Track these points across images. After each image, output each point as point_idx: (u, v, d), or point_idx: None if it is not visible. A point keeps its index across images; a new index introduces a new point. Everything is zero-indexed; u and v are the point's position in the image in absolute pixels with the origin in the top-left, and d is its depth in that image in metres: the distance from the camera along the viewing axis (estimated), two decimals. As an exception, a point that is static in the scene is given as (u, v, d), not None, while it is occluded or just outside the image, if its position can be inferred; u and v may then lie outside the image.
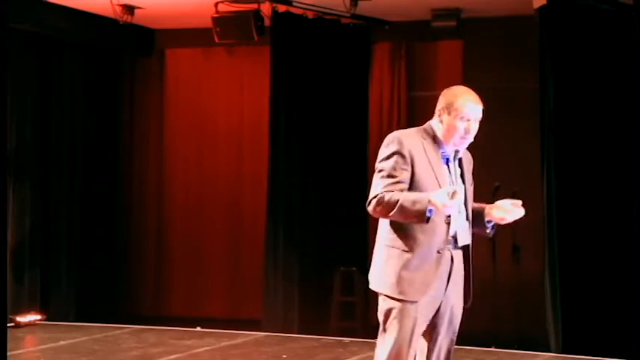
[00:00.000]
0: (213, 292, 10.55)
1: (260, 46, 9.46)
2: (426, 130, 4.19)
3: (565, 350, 7.86)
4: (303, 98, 9.40)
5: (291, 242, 9.32)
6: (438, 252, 4.11)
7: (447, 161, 4.20)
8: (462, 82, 9.58)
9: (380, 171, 4.11)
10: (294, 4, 9.06)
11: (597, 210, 8.02)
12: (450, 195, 3.90)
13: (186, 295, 10.62)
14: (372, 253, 4.29)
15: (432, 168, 4.12)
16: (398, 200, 3.98)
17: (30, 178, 9.80)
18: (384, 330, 4.14)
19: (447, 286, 4.17)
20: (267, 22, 9.20)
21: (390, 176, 4.06)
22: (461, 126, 4.12)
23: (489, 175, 8.94)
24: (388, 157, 4.09)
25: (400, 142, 4.10)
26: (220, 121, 10.73)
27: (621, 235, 7.74)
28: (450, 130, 4.14)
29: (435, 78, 10.09)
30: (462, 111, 4.12)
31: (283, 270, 9.28)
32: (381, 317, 4.16)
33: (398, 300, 4.09)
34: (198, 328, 9.16)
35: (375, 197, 4.05)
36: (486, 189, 8.80)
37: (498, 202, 4.31)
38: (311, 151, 9.39)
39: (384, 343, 4.13)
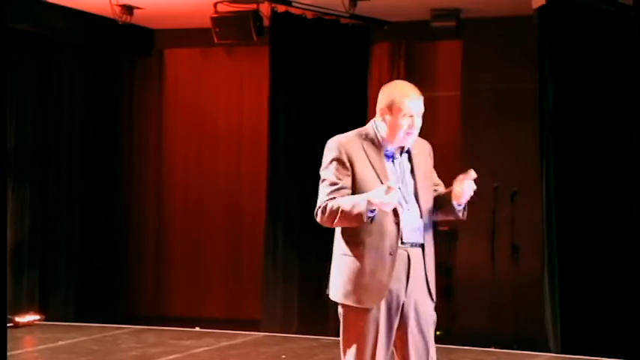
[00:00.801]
0: (212, 292, 10.56)
1: (259, 46, 9.46)
2: (366, 131, 4.11)
3: (564, 350, 7.86)
4: (302, 98, 9.40)
5: (290, 242, 9.32)
6: (390, 254, 4.00)
7: (393, 159, 4.10)
8: (462, 82, 9.67)
9: (322, 180, 4.07)
10: (294, 4, 9.06)
11: (596, 210, 8.02)
12: (387, 191, 3.82)
13: (185, 295, 10.62)
14: None
15: (374, 168, 4.03)
16: (339, 207, 3.93)
17: (29, 178, 9.81)
18: (345, 340, 4.06)
19: (406, 286, 4.05)
20: (266, 23, 9.20)
21: (331, 184, 4.02)
22: (404, 123, 4.02)
23: (488, 175, 8.94)
24: (328, 165, 4.06)
25: (338, 148, 4.05)
26: (220, 121, 10.75)
27: (620, 235, 7.73)
28: (394, 128, 4.04)
29: (434, 78, 10.11)
30: (404, 108, 4.02)
31: (282, 270, 9.29)
32: (341, 327, 4.09)
33: (355, 308, 4.02)
34: (197, 329, 9.15)
35: (319, 207, 4.02)
36: (486, 189, 8.82)
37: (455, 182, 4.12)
38: (310, 151, 9.33)
39: (347, 354, 4.05)
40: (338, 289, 4.08)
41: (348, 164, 4.02)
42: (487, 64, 9.47)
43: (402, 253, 4.03)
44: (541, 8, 8.20)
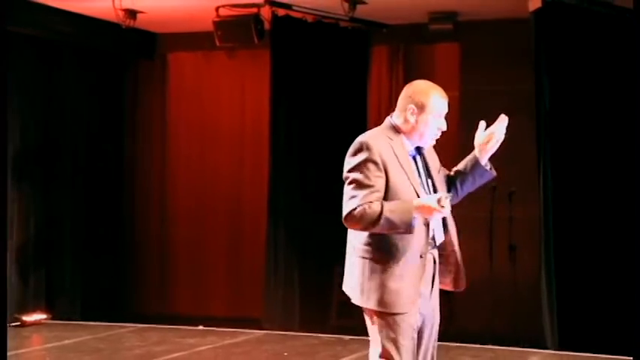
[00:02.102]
0: (215, 291, 10.54)
1: (260, 49, 9.45)
2: (390, 130, 3.95)
3: (561, 347, 7.87)
4: (302, 100, 9.39)
5: (291, 242, 9.32)
6: (421, 256, 3.87)
7: (414, 158, 3.98)
8: (460, 83, 9.66)
9: (352, 181, 3.82)
10: (294, 8, 9.06)
11: (593, 209, 8.02)
12: (441, 202, 3.72)
13: (188, 294, 10.61)
14: None
15: (404, 169, 3.88)
16: (381, 213, 3.73)
17: (35, 180, 9.82)
18: (384, 349, 3.87)
19: (432, 289, 3.98)
20: (267, 26, 9.21)
21: (365, 186, 3.78)
22: (437, 123, 3.95)
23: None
24: (359, 166, 3.81)
25: (370, 148, 3.82)
26: (222, 122, 10.73)
27: (616, 234, 7.73)
28: (425, 127, 3.93)
29: (432, 80, 9.86)
30: (438, 108, 3.94)
31: (284, 269, 9.29)
32: (376, 335, 3.90)
33: (390, 314, 3.84)
34: (201, 327, 9.17)
35: (353, 210, 3.77)
36: (483, 189, 8.82)
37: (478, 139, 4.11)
38: (311, 152, 9.40)
39: (392, 357, 3.86)
40: (369, 295, 3.85)
41: (381, 165, 3.82)
42: (484, 66, 9.48)
43: (429, 257, 3.93)
44: (537, 11, 8.19)
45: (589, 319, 7.84)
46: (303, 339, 8.55)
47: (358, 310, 4.06)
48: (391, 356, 3.86)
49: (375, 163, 3.81)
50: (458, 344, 8.11)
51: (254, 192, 10.12)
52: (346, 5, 8.67)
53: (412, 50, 10.14)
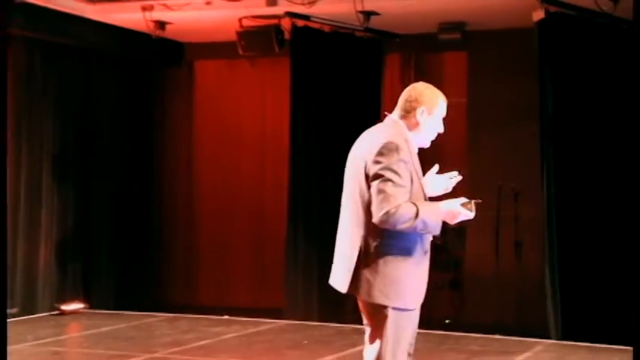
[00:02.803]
0: (239, 284, 10.57)
1: (280, 57, 9.46)
2: (403, 129, 3.84)
3: (564, 337, 7.87)
4: (320, 106, 9.39)
5: (310, 240, 9.29)
6: (425, 253, 3.83)
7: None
8: (467, 90, 9.67)
9: (387, 180, 3.66)
10: (312, 19, 9.08)
11: (593, 207, 8.03)
12: (471, 207, 3.71)
13: (214, 287, 10.65)
14: None
15: (416, 169, 3.80)
16: (417, 214, 3.63)
17: (72, 180, 9.84)
18: (394, 341, 3.75)
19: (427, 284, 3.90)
20: (287, 36, 9.23)
21: (399, 186, 3.66)
22: (440, 126, 3.91)
23: (493, 175, 9.00)
24: (395, 165, 3.68)
25: (400, 149, 3.71)
26: (244, 126, 10.74)
27: (615, 231, 7.74)
28: (430, 129, 3.88)
29: (442, 86, 9.89)
30: (442, 111, 3.90)
31: (303, 264, 9.26)
32: (387, 328, 3.75)
33: (401, 310, 3.75)
34: (226, 317, 9.18)
35: (390, 210, 3.62)
36: (490, 188, 8.88)
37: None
38: (328, 155, 9.36)
39: (398, 354, 3.78)
40: (383, 291, 3.72)
41: (410, 165, 3.74)
42: (491, 73, 9.48)
43: (429, 253, 3.88)
44: (541, 21, 8.19)
45: (590, 311, 7.84)
46: (322, 328, 8.57)
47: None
48: (396, 350, 3.78)
49: (405, 162, 3.71)
50: (467, 334, 8.12)
51: (275, 192, 10.12)
52: (361, 16, 8.69)
53: (423, 58, 10.17)
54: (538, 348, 7.61)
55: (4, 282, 4.62)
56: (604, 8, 7.81)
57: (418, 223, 3.64)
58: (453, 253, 9.73)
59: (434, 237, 3.88)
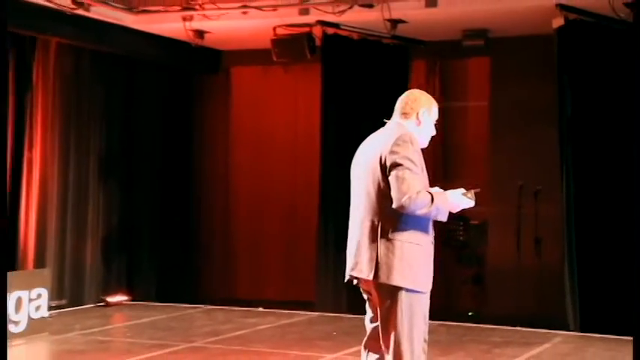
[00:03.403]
0: (272, 278, 10.58)
1: (312, 64, 9.46)
2: (409, 129, 3.98)
3: (582, 328, 7.85)
4: (350, 109, 9.36)
5: (339, 237, 9.24)
6: (432, 243, 3.96)
7: None
8: (490, 94, 9.65)
9: (406, 169, 3.78)
10: (342, 27, 9.10)
11: (610, 205, 7.98)
12: (471, 196, 3.85)
13: (250, 281, 10.68)
14: None
15: (423, 163, 3.93)
16: (432, 200, 3.77)
17: (117, 179, 9.92)
18: (411, 323, 3.82)
19: None
20: (318, 43, 9.23)
21: (416, 175, 3.80)
22: (433, 129, 4.07)
23: (514, 175, 8.97)
24: (410, 156, 3.82)
25: (414, 142, 3.88)
26: (277, 129, 10.74)
27: (631, 228, 7.68)
28: (430, 130, 4.05)
29: (465, 90, 10.08)
30: (436, 115, 4.08)
31: (333, 260, 9.19)
32: (404, 311, 3.81)
33: (419, 292, 3.84)
34: (260, 309, 9.21)
35: (410, 196, 3.73)
36: (512, 187, 8.87)
37: None
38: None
39: (415, 335, 3.84)
40: (402, 274, 3.81)
41: (420, 158, 3.89)
42: (512, 78, 9.44)
43: (433, 243, 4.00)
44: (560, 28, 8.17)
45: (608, 304, 7.80)
46: (351, 320, 8.49)
47: None
48: (412, 334, 3.83)
49: (420, 155, 3.87)
50: (489, 326, 8.10)
51: (306, 192, 10.07)
52: (388, 24, 8.69)
53: (447, 64, 10.12)
54: (557, 339, 7.59)
55: (4, 282, 4.58)
56: (621, 15, 7.77)
57: (433, 210, 3.78)
58: (475, 249, 9.72)
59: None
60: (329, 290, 9.22)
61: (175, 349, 7.07)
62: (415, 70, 9.83)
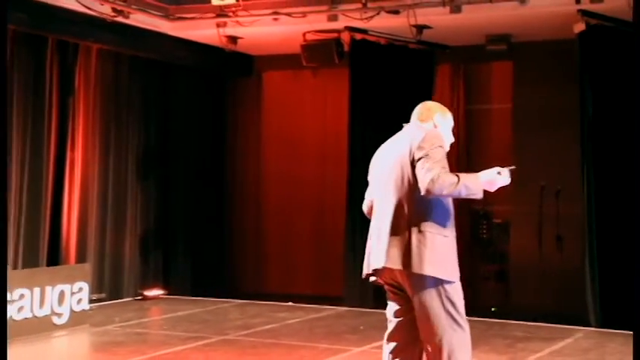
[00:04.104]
0: (302, 274, 10.59)
1: (340, 68, 9.47)
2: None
3: (603, 324, 7.79)
4: (377, 112, 9.33)
5: (366, 233, 9.24)
6: (454, 237, 3.97)
7: None
8: (513, 97, 9.59)
9: (430, 158, 3.83)
10: (369, 32, 9.08)
11: (629, 204, 7.89)
12: (508, 174, 3.85)
13: (280, 276, 10.69)
14: None
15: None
16: (459, 178, 3.77)
17: (154, 179, 9.98)
18: (448, 311, 3.85)
19: None
20: (346, 48, 9.24)
21: (440, 161, 3.83)
22: (451, 136, 4.16)
23: (537, 175, 8.90)
24: (436, 148, 3.87)
25: (440, 137, 3.96)
26: (307, 130, 10.76)
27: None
28: (448, 135, 4.13)
29: (489, 93, 10.03)
30: (451, 122, 4.19)
31: (360, 256, 9.14)
32: (438, 299, 3.83)
33: (450, 282, 3.86)
34: (290, 303, 9.22)
35: (436, 176, 3.75)
36: (534, 187, 8.80)
37: None
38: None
39: (456, 325, 3.86)
40: (436, 265, 3.83)
41: (445, 153, 3.94)
42: (534, 81, 9.38)
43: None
44: (582, 33, 8.10)
45: (628, 300, 7.71)
46: (377, 315, 8.36)
47: None
48: (454, 318, 3.85)
49: (444, 148, 3.93)
50: (512, 321, 8.06)
51: (334, 190, 10.08)
52: (414, 30, 8.66)
53: (471, 68, 10.07)
54: (578, 335, 7.55)
55: (4, 282, 4.50)
56: (641, 20, 7.67)
57: (461, 188, 3.77)
58: (498, 247, 9.67)
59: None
60: (356, 285, 9.17)
61: (209, 341, 7.11)
62: (440, 74, 9.79)
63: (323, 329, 7.80)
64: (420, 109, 4.19)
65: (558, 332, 7.64)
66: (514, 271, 9.39)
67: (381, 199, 4.09)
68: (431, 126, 4.10)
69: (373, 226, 4.12)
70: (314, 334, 7.54)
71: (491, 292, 9.38)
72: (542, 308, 8.43)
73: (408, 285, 3.92)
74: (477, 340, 7.04)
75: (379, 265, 3.99)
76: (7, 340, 4.20)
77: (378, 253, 4.01)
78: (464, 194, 3.81)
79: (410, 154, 3.92)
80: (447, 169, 3.84)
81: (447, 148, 4.07)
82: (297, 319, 8.27)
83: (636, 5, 6.09)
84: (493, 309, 8.90)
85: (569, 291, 8.42)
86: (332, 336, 7.43)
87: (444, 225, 3.88)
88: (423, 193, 3.80)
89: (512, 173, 3.90)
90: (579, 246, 8.22)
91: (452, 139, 4.16)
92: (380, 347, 6.88)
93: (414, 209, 3.89)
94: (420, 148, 3.88)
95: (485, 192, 3.92)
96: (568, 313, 8.14)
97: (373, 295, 9.12)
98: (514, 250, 9.44)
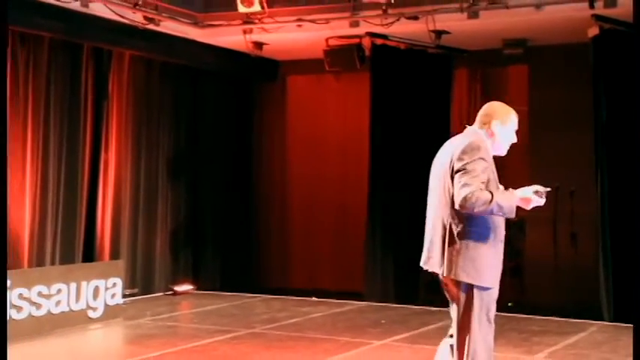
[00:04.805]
0: (325, 270, 10.58)
1: (361, 72, 9.46)
2: (481, 138, 3.99)
3: (616, 319, 7.73)
4: (397, 114, 9.35)
5: (386, 230, 9.24)
6: (501, 242, 3.97)
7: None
8: (528, 99, 9.53)
9: (468, 172, 3.81)
10: (390, 38, 9.08)
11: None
12: (543, 194, 3.82)
13: (304, 273, 10.69)
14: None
15: (493, 171, 3.95)
16: (492, 198, 3.74)
17: (184, 180, 10.02)
18: (478, 313, 3.88)
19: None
20: (367, 53, 9.24)
21: (477, 177, 3.80)
22: (513, 137, 4.08)
23: (551, 176, 8.83)
24: (474, 161, 3.83)
25: (482, 149, 3.89)
26: (329, 132, 10.75)
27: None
28: (502, 139, 4.03)
29: (505, 96, 9.91)
30: (514, 124, 4.06)
31: (381, 253, 9.22)
32: (466, 306, 3.89)
33: (484, 288, 3.89)
34: (314, 298, 9.22)
35: (469, 195, 3.75)
36: (549, 187, 8.73)
37: None
38: (403, 158, 9.29)
39: (482, 322, 3.89)
40: (468, 271, 3.86)
41: (487, 163, 3.89)
42: (550, 84, 9.32)
43: (503, 243, 4.01)
44: (595, 37, 8.05)
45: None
46: (398, 309, 8.55)
47: (441, 288, 4.07)
48: (482, 321, 3.89)
49: (485, 160, 3.88)
50: (528, 316, 8.02)
51: (356, 189, 10.03)
52: (433, 35, 8.65)
53: (488, 72, 10.00)
54: (592, 329, 7.51)
55: (4, 282, 4.50)
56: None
57: (493, 206, 3.75)
58: (514, 244, 9.61)
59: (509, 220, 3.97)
60: (377, 281, 9.23)
61: (237, 334, 7.14)
62: (458, 78, 9.79)
63: (345, 323, 7.80)
64: (483, 111, 4.10)
65: (573, 326, 7.60)
66: (530, 267, 9.34)
67: (430, 203, 4.14)
68: (486, 133, 4.01)
69: (425, 227, 4.16)
70: (337, 327, 7.55)
71: (508, 287, 9.29)
72: (557, 303, 8.38)
73: (449, 288, 3.99)
74: (494, 335, 7.08)
75: (424, 266, 4.09)
76: (7, 341, 4.09)
77: (424, 254, 4.10)
78: (496, 212, 3.80)
79: (450, 163, 3.91)
80: (484, 182, 3.81)
81: (502, 152, 4.04)
82: (321, 314, 8.29)
83: (636, 5, 6.03)
84: (510, 304, 8.86)
85: (583, 287, 8.36)
86: (354, 329, 7.43)
87: (481, 233, 3.87)
88: (457, 207, 3.84)
89: (548, 194, 3.88)
90: (593, 243, 8.17)
91: (513, 140, 4.09)
92: (400, 340, 6.92)
93: (452, 217, 3.91)
94: (459, 159, 3.87)
95: (519, 208, 3.90)
96: (582, 308, 8.10)
97: (393, 291, 9.14)
98: (530, 248, 9.38)
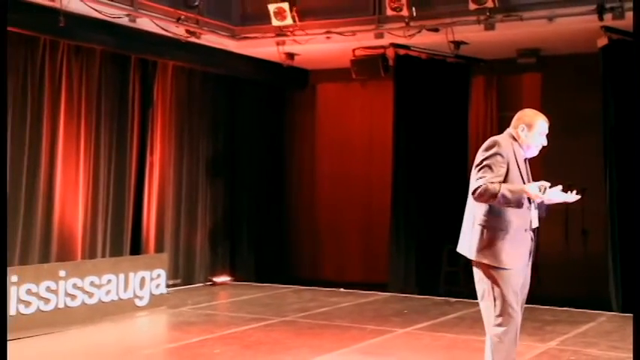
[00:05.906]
0: (352, 263, 10.58)
1: (386, 80, 9.46)
2: (512, 137, 4.13)
3: (624, 310, 7.66)
4: (418, 119, 9.33)
5: (409, 226, 9.22)
6: (525, 231, 4.05)
7: (525, 162, 4.17)
8: (541, 105, 9.46)
9: (483, 166, 4.00)
10: (412, 48, 9.07)
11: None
12: (543, 190, 3.92)
13: (333, 265, 10.69)
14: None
15: (518, 166, 4.07)
16: (500, 190, 3.91)
17: (222, 179, 10.06)
18: (491, 294, 4.00)
19: (529, 259, 4.12)
20: (391, 63, 9.23)
21: (491, 171, 3.97)
22: (541, 140, 4.14)
23: (563, 175, 8.76)
24: (491, 157, 4.00)
25: (499, 145, 4.03)
26: (356, 136, 10.74)
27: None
28: (531, 142, 4.12)
29: (519, 102, 9.83)
30: (540, 129, 4.14)
31: (404, 247, 9.19)
32: (484, 284, 4.02)
33: (499, 268, 3.99)
34: (342, 289, 9.23)
35: (480, 186, 3.94)
36: (561, 185, 8.67)
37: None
38: (425, 160, 9.29)
39: (493, 305, 4.00)
40: (484, 253, 4.01)
41: (505, 159, 4.02)
42: (561, 91, 9.24)
43: (530, 234, 4.11)
44: (605, 47, 7.99)
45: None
46: (419, 300, 8.52)
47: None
48: (502, 301, 3.97)
49: (502, 156, 4.02)
50: (540, 307, 7.95)
51: (380, 189, 10.02)
52: (452, 45, 8.64)
53: (504, 79, 9.95)
54: (601, 319, 7.46)
55: (5, 282, 4.39)
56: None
57: (500, 198, 3.92)
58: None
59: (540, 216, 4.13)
60: (400, 273, 9.19)
61: (270, 322, 7.17)
62: (475, 85, 9.77)
63: (371, 312, 7.81)
64: (516, 116, 4.21)
65: (583, 316, 7.56)
66: (543, 260, 9.26)
67: (469, 196, 4.25)
68: (509, 134, 4.13)
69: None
70: (363, 316, 7.56)
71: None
72: (568, 295, 8.31)
73: (475, 271, 4.12)
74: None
75: (458, 250, 4.23)
76: (7, 341, 4.04)
77: (460, 240, 4.22)
78: (503, 204, 3.95)
79: (476, 158, 4.08)
80: (500, 176, 3.94)
81: (529, 154, 4.14)
82: (348, 303, 8.28)
83: (636, 7, 5.98)
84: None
85: (593, 279, 8.29)
86: (379, 318, 7.43)
87: (500, 220, 4.00)
88: (472, 198, 4.03)
89: (580, 193, 4.08)
90: (603, 238, 8.11)
91: (544, 143, 4.17)
92: (421, 329, 6.92)
93: (477, 208, 4.08)
94: (480, 155, 4.06)
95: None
96: (592, 300, 8.04)
97: (416, 283, 9.12)
98: (543, 242, 9.19)
